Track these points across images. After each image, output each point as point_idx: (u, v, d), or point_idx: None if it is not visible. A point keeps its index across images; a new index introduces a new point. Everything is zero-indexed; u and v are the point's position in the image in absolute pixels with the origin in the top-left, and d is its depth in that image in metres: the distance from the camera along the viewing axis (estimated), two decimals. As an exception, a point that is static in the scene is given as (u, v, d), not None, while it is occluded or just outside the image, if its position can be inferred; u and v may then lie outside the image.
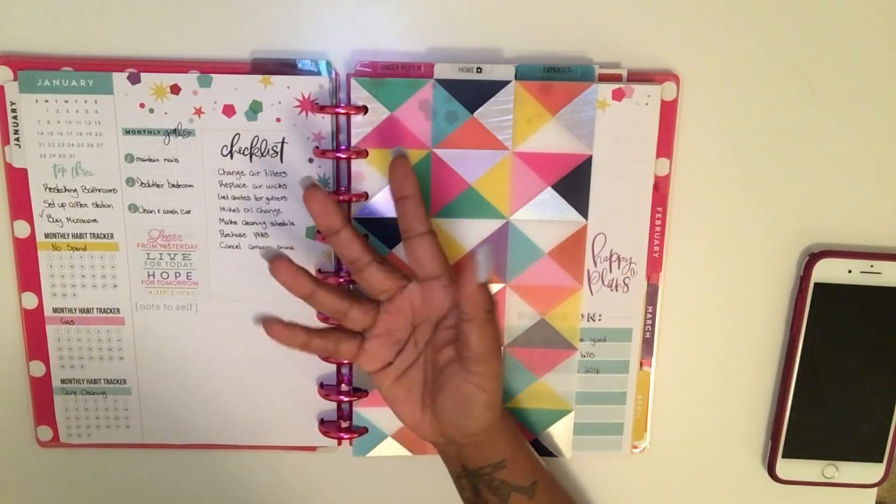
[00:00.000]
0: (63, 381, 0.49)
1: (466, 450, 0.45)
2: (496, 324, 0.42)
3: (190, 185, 0.46)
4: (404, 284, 0.43)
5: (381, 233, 0.47)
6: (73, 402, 0.49)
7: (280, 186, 0.46)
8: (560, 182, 0.47)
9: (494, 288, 0.48)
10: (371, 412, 0.50)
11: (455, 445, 0.45)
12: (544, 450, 0.51)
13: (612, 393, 0.50)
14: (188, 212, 0.47)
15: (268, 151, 0.46)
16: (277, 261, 0.42)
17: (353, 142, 0.46)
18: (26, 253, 0.47)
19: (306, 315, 0.48)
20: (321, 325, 0.48)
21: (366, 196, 0.46)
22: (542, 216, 0.47)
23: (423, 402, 0.44)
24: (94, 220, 0.47)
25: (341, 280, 0.47)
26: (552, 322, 0.49)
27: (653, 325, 0.50)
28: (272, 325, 0.43)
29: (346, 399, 0.49)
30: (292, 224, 0.47)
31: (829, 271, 0.49)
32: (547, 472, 0.48)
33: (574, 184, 0.47)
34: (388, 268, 0.43)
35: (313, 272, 0.47)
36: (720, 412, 0.52)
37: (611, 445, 0.51)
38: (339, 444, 0.51)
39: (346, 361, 0.49)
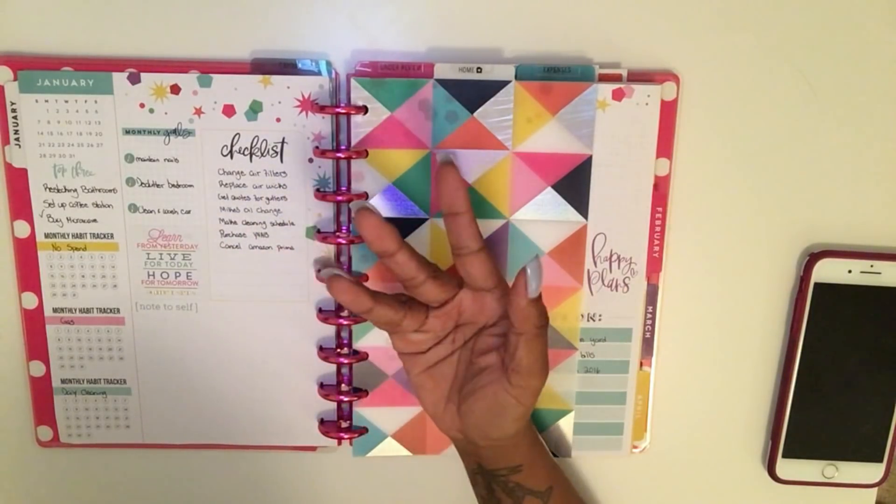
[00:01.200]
0: (63, 381, 0.49)
1: (484, 451, 0.45)
2: (546, 340, 0.41)
3: (190, 185, 0.46)
4: (457, 292, 0.43)
5: (381, 233, 0.47)
6: (73, 402, 0.49)
7: (280, 186, 0.46)
8: (560, 182, 0.47)
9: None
10: (371, 412, 0.50)
11: (473, 446, 0.45)
12: (544, 450, 0.51)
13: (612, 393, 0.50)
14: (188, 212, 0.47)
15: (268, 151, 0.46)
16: (336, 280, 0.40)
17: (353, 142, 0.46)
18: (26, 253, 0.47)
19: (307, 315, 0.48)
20: (320, 322, 0.48)
21: (366, 196, 0.46)
22: (542, 216, 0.47)
23: (450, 397, 0.44)
24: (94, 220, 0.47)
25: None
26: (552, 322, 0.49)
27: (653, 325, 0.50)
28: (338, 281, 0.39)
29: (346, 399, 0.49)
30: (292, 224, 0.47)
31: (829, 271, 0.49)
32: (563, 478, 0.48)
33: (574, 184, 0.47)
34: (442, 280, 0.42)
35: (313, 272, 0.47)
36: (720, 412, 0.52)
37: (611, 445, 0.51)
38: (339, 444, 0.51)
39: (346, 352, 0.49)
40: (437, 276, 0.42)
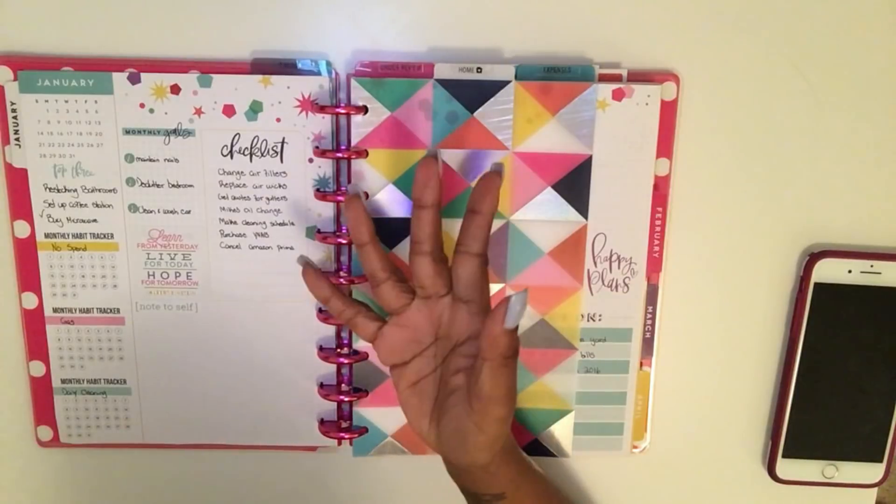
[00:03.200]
0: (63, 381, 0.49)
1: (463, 475, 0.44)
2: (514, 371, 0.39)
3: (190, 185, 0.46)
4: (409, 302, 0.43)
5: (382, 233, 0.47)
6: (73, 402, 0.49)
7: (280, 186, 0.46)
8: (560, 182, 0.47)
9: (494, 288, 0.48)
10: (371, 412, 0.50)
11: (453, 467, 0.44)
12: (544, 450, 0.51)
13: (612, 393, 0.50)
14: (188, 212, 0.47)
15: (268, 151, 0.46)
16: (305, 268, 0.45)
17: (353, 142, 0.46)
18: (26, 253, 0.47)
19: (307, 315, 0.48)
20: (320, 322, 0.48)
21: (366, 196, 0.46)
22: (542, 216, 0.47)
23: (432, 415, 0.43)
24: (94, 220, 0.47)
25: (341, 281, 0.47)
26: (552, 322, 0.49)
27: (653, 325, 0.50)
28: (307, 268, 0.45)
29: (346, 399, 0.49)
30: (292, 224, 0.47)
31: (829, 271, 0.49)
32: (555, 496, 0.47)
33: (574, 184, 0.47)
34: (400, 288, 0.42)
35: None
36: (720, 412, 0.52)
37: (611, 445, 0.51)
38: (339, 444, 0.51)
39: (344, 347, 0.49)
40: (398, 280, 0.43)
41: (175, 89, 0.45)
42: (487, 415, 0.39)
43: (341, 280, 0.47)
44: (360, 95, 0.45)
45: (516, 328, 0.38)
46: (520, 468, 0.45)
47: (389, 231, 0.47)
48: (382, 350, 0.44)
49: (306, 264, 0.45)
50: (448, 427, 0.42)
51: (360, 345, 0.49)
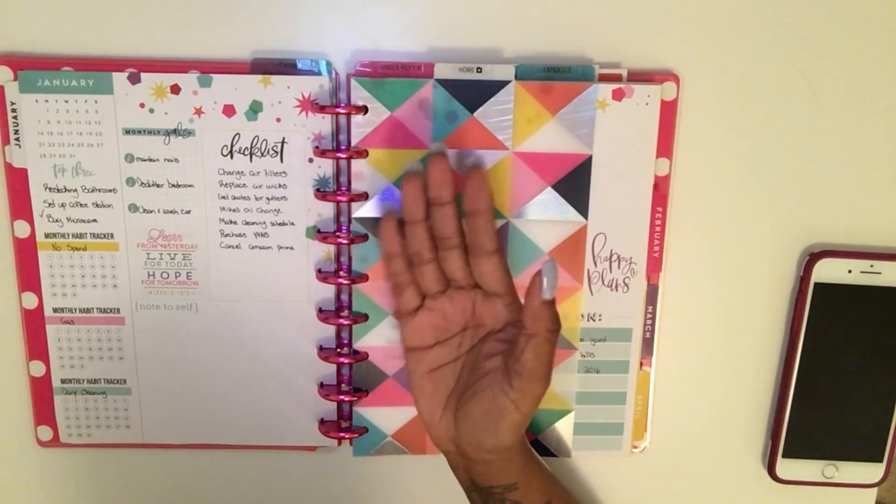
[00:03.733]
0: (63, 381, 0.49)
1: (477, 466, 0.44)
2: (554, 348, 0.41)
3: (190, 185, 0.46)
4: (444, 290, 0.44)
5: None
6: (73, 402, 0.49)
7: (280, 186, 0.46)
8: (560, 182, 0.47)
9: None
10: (371, 412, 0.50)
11: (465, 459, 0.44)
12: (544, 450, 0.51)
13: (612, 393, 0.50)
14: (188, 212, 0.47)
15: (268, 151, 0.46)
16: (389, 216, 0.44)
17: (353, 142, 0.46)
18: (26, 253, 0.47)
19: (307, 315, 0.48)
20: (320, 322, 0.48)
21: (366, 196, 0.46)
22: (542, 216, 0.47)
23: (447, 404, 0.44)
24: (94, 220, 0.47)
25: (341, 281, 0.47)
26: (552, 322, 0.49)
27: (653, 325, 0.50)
28: (390, 218, 0.44)
29: (346, 399, 0.49)
30: (292, 224, 0.47)
31: (829, 271, 0.49)
32: (562, 490, 0.47)
33: (574, 184, 0.47)
34: (441, 272, 0.43)
35: (313, 272, 0.47)
36: (720, 412, 0.52)
37: (611, 445, 0.51)
38: (339, 444, 0.51)
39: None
40: (438, 265, 0.43)
41: (175, 89, 0.45)
42: (527, 392, 0.40)
43: (341, 280, 0.47)
44: (360, 95, 0.45)
45: (554, 301, 0.40)
46: (531, 458, 0.46)
47: (389, 231, 0.47)
48: (408, 330, 0.44)
49: (390, 213, 0.44)
50: (476, 410, 0.42)
51: (360, 345, 0.49)
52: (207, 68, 0.45)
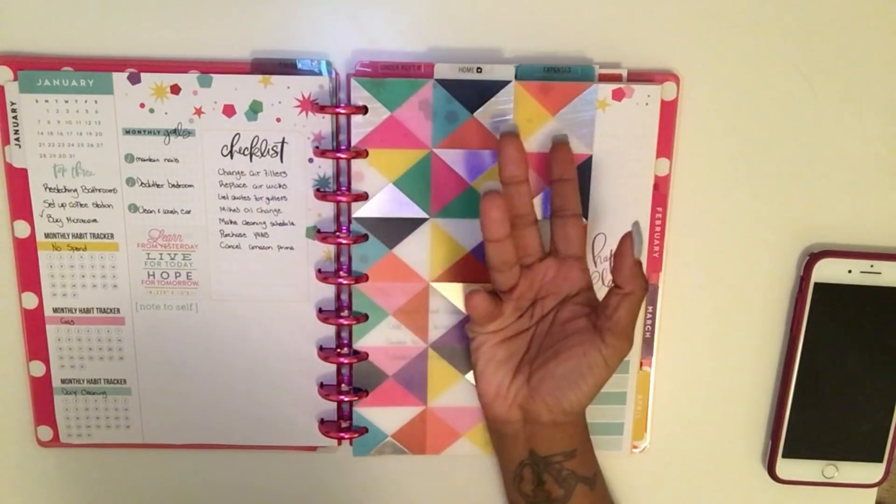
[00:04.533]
0: (63, 381, 0.49)
1: (544, 432, 0.45)
2: (640, 308, 0.43)
3: (190, 185, 0.46)
4: (545, 255, 0.45)
5: (382, 233, 0.47)
6: (73, 402, 0.49)
7: (280, 186, 0.46)
8: (560, 182, 0.47)
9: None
10: (371, 412, 0.50)
11: (531, 425, 0.45)
12: (544, 450, 0.51)
13: (612, 393, 0.50)
14: (188, 212, 0.47)
15: (268, 151, 0.46)
16: (495, 198, 0.41)
17: (353, 142, 0.46)
18: (26, 253, 0.47)
19: (307, 315, 0.48)
20: (320, 322, 0.48)
21: (366, 196, 0.46)
22: (543, 215, 0.47)
23: (519, 369, 0.45)
24: (94, 220, 0.47)
25: (341, 281, 0.47)
26: (552, 322, 0.49)
27: (653, 325, 0.50)
28: (495, 198, 0.41)
29: (346, 399, 0.49)
30: (292, 224, 0.47)
31: (829, 271, 0.49)
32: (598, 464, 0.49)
33: (574, 184, 0.47)
34: (537, 235, 0.45)
35: (313, 272, 0.47)
36: (720, 412, 0.52)
37: (611, 445, 0.51)
38: (339, 444, 0.51)
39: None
40: (536, 227, 0.44)
41: (175, 89, 0.45)
42: (619, 349, 0.43)
43: (341, 280, 0.47)
44: (360, 95, 0.45)
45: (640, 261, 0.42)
46: (587, 428, 0.47)
47: (390, 231, 0.47)
48: (485, 317, 0.44)
49: (496, 196, 0.41)
50: (561, 368, 0.44)
51: (360, 345, 0.49)
52: (207, 68, 0.45)
